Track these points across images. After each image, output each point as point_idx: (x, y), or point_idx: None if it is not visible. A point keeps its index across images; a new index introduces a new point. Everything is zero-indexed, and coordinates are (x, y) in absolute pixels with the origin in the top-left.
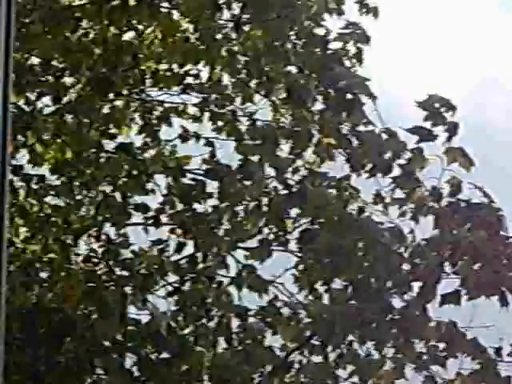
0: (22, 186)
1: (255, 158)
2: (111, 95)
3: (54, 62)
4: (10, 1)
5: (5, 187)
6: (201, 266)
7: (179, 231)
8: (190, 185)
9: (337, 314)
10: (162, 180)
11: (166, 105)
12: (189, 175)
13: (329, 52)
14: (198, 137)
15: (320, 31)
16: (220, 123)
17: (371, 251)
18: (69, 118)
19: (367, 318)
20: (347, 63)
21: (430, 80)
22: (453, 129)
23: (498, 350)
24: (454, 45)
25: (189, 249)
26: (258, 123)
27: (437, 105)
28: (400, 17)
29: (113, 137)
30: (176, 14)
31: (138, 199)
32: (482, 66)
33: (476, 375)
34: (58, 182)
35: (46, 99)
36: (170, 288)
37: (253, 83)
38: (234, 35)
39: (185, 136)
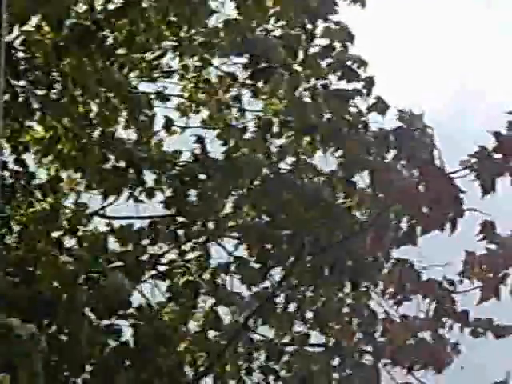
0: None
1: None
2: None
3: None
4: None
5: None
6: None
7: None
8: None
9: None
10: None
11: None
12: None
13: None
14: (183, 128)
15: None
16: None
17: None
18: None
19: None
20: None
21: (411, 86)
22: (369, 83)
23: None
24: (435, 53)
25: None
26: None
27: (349, 62)
28: (382, 23)
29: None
30: None
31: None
32: (462, 74)
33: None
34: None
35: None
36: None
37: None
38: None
39: (169, 127)
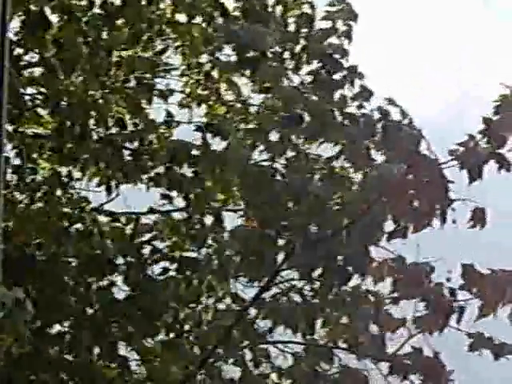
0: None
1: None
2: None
3: None
4: None
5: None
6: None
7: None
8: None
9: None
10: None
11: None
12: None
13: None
14: (189, 122)
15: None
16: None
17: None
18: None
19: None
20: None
21: (412, 90)
22: (354, 70)
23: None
24: (434, 57)
25: None
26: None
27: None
28: (383, 27)
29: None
30: None
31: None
32: (461, 79)
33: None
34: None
35: None
36: None
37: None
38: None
39: (170, 121)
